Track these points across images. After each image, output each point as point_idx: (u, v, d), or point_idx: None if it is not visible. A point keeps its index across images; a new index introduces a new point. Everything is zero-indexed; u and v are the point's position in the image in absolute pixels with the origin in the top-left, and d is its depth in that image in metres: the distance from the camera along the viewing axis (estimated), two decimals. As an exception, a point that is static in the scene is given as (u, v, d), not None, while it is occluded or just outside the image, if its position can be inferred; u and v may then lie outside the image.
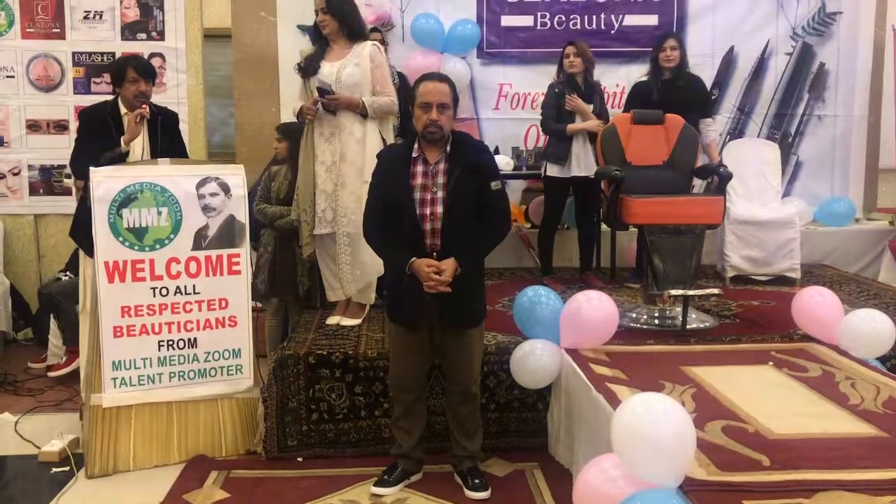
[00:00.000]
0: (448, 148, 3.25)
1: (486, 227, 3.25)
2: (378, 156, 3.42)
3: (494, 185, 3.26)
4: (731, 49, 6.33)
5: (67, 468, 3.65)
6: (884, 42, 6.40)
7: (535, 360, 3.59)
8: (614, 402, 2.94)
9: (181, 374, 3.69)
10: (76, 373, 4.66)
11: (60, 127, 5.96)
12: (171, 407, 3.70)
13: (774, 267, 5.44)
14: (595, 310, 3.60)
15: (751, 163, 5.78)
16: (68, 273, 5.20)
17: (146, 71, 3.93)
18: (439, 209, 3.19)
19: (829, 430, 2.69)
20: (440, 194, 3.20)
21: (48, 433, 3.96)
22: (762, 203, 5.67)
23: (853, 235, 6.25)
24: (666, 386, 3.15)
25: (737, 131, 6.41)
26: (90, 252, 3.89)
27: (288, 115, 5.98)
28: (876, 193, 6.62)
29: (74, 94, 5.95)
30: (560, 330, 3.66)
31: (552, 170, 5.10)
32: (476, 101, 6.26)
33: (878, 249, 6.19)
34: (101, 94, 5.79)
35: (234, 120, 6.63)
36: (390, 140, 4.22)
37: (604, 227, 5.61)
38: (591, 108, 5.07)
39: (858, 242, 6.22)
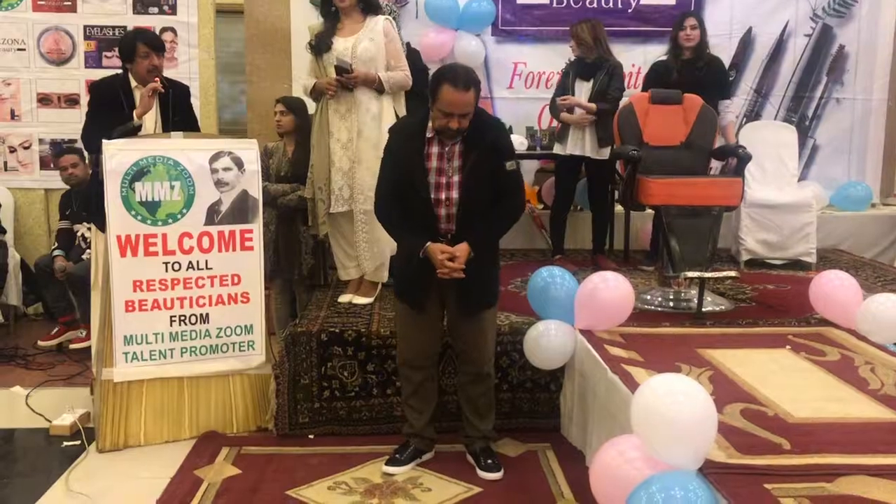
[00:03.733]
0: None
1: (500, 210, 3.19)
2: (390, 131, 3.35)
3: (510, 165, 3.19)
4: (750, 30, 6.24)
5: (78, 442, 3.64)
6: (905, 24, 6.30)
7: (548, 341, 3.55)
8: (631, 383, 2.91)
9: (193, 349, 3.67)
10: (89, 348, 4.66)
11: (72, 101, 5.92)
12: (182, 382, 3.68)
13: (790, 251, 5.38)
14: (611, 291, 3.56)
15: (767, 145, 5.70)
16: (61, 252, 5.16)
17: (156, 44, 3.88)
18: (455, 194, 3.14)
19: (850, 414, 2.65)
20: (456, 178, 3.14)
21: (59, 407, 3.96)
22: (778, 186, 5.60)
23: (869, 221, 6.18)
24: (682, 368, 3.11)
25: (753, 113, 6.33)
26: (102, 227, 3.87)
27: (300, 91, 5.95)
28: (893, 178, 6.54)
29: (86, 67, 5.90)
30: (574, 311, 3.62)
31: (556, 148, 5.12)
32: (490, 79, 6.19)
33: (894, 235, 6.12)
34: (112, 68, 5.70)
35: (244, 97, 6.60)
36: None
37: (618, 208, 5.59)
38: (589, 84, 5.01)
39: (874, 228, 6.15)
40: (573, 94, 5.02)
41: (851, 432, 2.49)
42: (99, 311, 3.95)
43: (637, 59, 6.10)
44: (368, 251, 4.18)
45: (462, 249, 3.09)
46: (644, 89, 5.10)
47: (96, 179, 3.79)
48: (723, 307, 4.20)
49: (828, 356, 3.31)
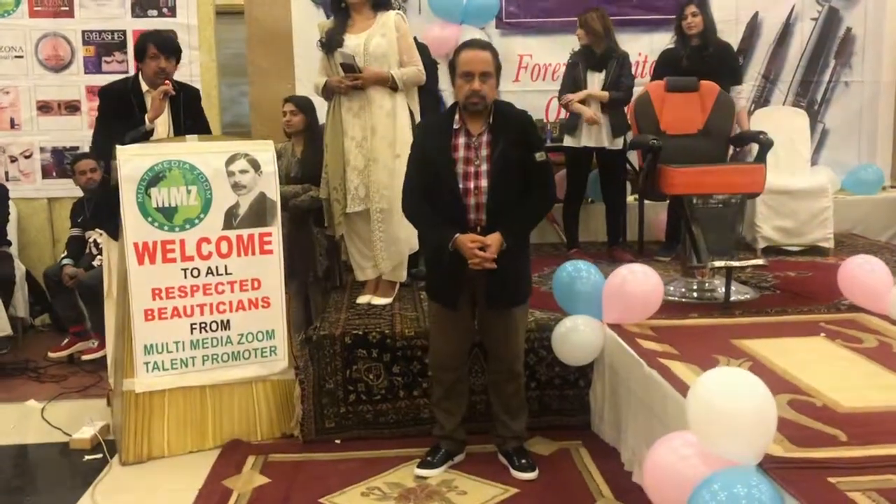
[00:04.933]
0: (491, 118, 3.13)
1: (531, 200, 3.14)
2: (417, 126, 3.31)
3: (539, 156, 3.14)
4: (756, 15, 6.18)
5: (100, 455, 3.56)
6: (913, 5, 6.25)
7: (578, 337, 3.49)
8: (670, 378, 2.86)
9: (215, 357, 3.59)
10: (101, 358, 4.59)
11: (72, 108, 5.83)
12: (204, 391, 3.60)
13: (807, 237, 5.33)
14: (640, 283, 3.50)
15: (780, 131, 5.56)
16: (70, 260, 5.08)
17: (167, 47, 3.79)
18: (483, 183, 3.08)
19: (899, 402, 2.59)
20: (484, 167, 3.08)
21: (76, 420, 3.88)
22: (791, 172, 5.54)
23: (882, 203, 6.14)
24: (720, 360, 3.05)
25: (762, 99, 6.27)
26: (115, 235, 3.79)
27: (304, 92, 5.87)
28: (904, 161, 6.50)
29: (85, 73, 5.82)
30: (603, 305, 3.56)
31: (567, 140, 5.06)
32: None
33: (908, 217, 6.09)
34: (112, 73, 5.66)
35: (244, 98, 6.52)
36: (417, 113, 4.10)
37: (629, 199, 5.54)
38: (601, 75, 4.95)
39: (887, 210, 6.11)
40: (586, 86, 4.95)
41: (906, 421, 2.43)
42: (115, 320, 3.88)
43: (644, 47, 6.03)
44: (385, 251, 4.11)
45: (494, 239, 3.03)
46: (654, 78, 5.04)
47: (107, 185, 3.70)
48: (748, 296, 4.14)
49: (865, 343, 3.25)
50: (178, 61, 3.84)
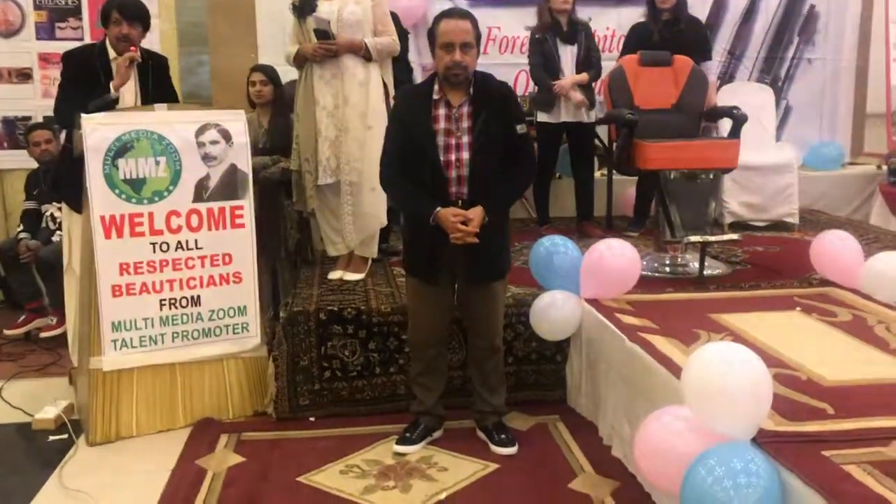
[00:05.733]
0: (471, 89, 3.06)
1: (513, 174, 3.09)
2: (395, 97, 3.22)
3: (520, 128, 3.09)
4: (723, -10, 6.21)
5: (65, 436, 3.44)
6: (873, -16, 6.33)
7: (557, 312, 3.47)
8: (653, 352, 2.86)
9: (185, 333, 3.49)
10: (61, 336, 4.45)
11: (24, 75, 5.59)
12: (174, 369, 3.50)
13: (772, 212, 5.39)
14: (617, 258, 3.49)
15: (745, 107, 5.54)
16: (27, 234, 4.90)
17: (131, 13, 3.62)
18: (465, 155, 3.01)
19: (882, 375, 2.61)
20: (465, 139, 3.02)
21: (37, 400, 3.75)
22: (757, 148, 5.56)
23: (842, 180, 6.25)
24: (700, 335, 3.06)
25: (727, 75, 6.31)
26: (77, 207, 3.65)
27: (267, 61, 5.71)
28: (863, 137, 6.61)
29: (37, 39, 5.57)
30: (581, 280, 3.54)
31: (542, 116, 4.97)
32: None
33: (866, 193, 6.20)
34: (66, 39, 5.46)
35: (201, 68, 6.32)
36: (391, 84, 4.01)
37: (596, 174, 5.52)
38: (574, 49, 4.92)
39: (847, 187, 6.22)
40: (559, 59, 4.89)
41: (889, 394, 2.45)
42: (76, 297, 3.75)
43: (611, 22, 6.01)
44: (353, 224, 4.04)
45: (476, 213, 2.97)
46: (624, 53, 5.01)
47: (70, 156, 3.54)
48: (720, 271, 4.17)
49: (839, 317, 3.28)
50: (145, 28, 3.68)
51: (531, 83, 5.58)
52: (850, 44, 6.39)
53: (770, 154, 5.47)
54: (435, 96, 3.06)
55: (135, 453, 3.33)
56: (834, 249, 3.77)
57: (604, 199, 5.45)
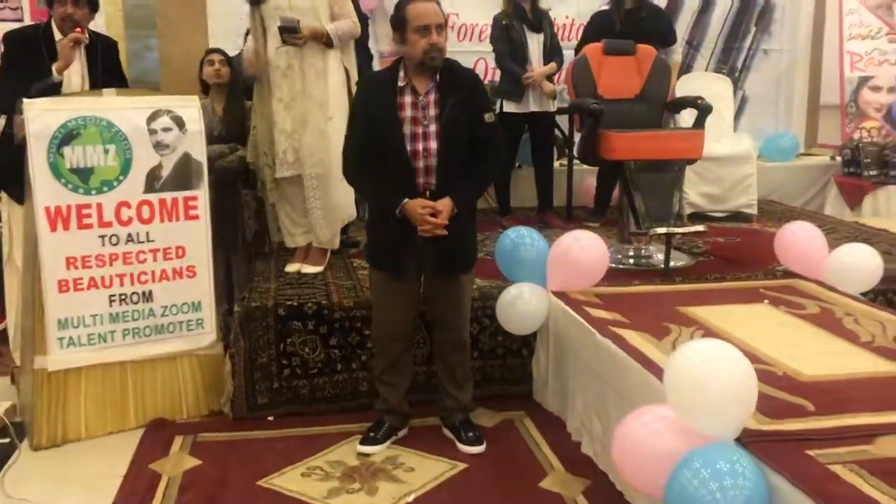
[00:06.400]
0: (438, 76, 2.95)
1: (481, 163, 2.99)
2: (357, 84, 3.10)
3: (488, 116, 3.00)
4: (681, -20, 6.19)
5: (7, 440, 3.24)
6: (827, -24, 6.39)
7: (524, 305, 3.39)
8: (625, 347, 2.80)
9: (136, 331, 3.32)
10: (1, 332, 4.22)
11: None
12: (125, 367, 3.33)
13: (731, 203, 5.40)
14: (585, 250, 3.43)
15: (704, 97, 5.66)
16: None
17: (73, -8, 3.43)
18: (433, 144, 2.90)
19: (857, 369, 2.59)
20: (433, 128, 2.91)
21: (-26, 400, 3.54)
22: (715, 139, 5.55)
23: (797, 171, 6.30)
24: (672, 328, 3.00)
25: (685, 65, 6.28)
26: (19, 198, 3.46)
27: (217, 44, 5.52)
28: (817, 128, 6.67)
29: (-30, 20, 5.29)
30: (547, 272, 3.47)
31: (509, 106, 4.88)
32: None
33: (820, 184, 6.26)
34: (4, 20, 5.18)
35: (148, 53, 6.10)
36: (354, 70, 3.87)
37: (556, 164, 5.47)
38: (541, 37, 4.85)
39: (802, 177, 6.28)
40: (526, 47, 4.81)
41: (868, 388, 2.43)
42: (18, 292, 3.56)
43: (570, 10, 5.96)
44: (325, 218, 3.90)
45: (445, 204, 2.87)
46: (584, 41, 4.95)
47: (10, 143, 3.34)
48: (683, 262, 4.14)
49: (807, 309, 3.26)
50: (93, 10, 3.49)
51: (492, 71, 5.50)
52: (805, 35, 6.45)
53: (729, 145, 5.48)
54: (400, 83, 2.94)
55: (83, 457, 3.16)
56: (798, 241, 3.76)
57: (563, 189, 5.41)
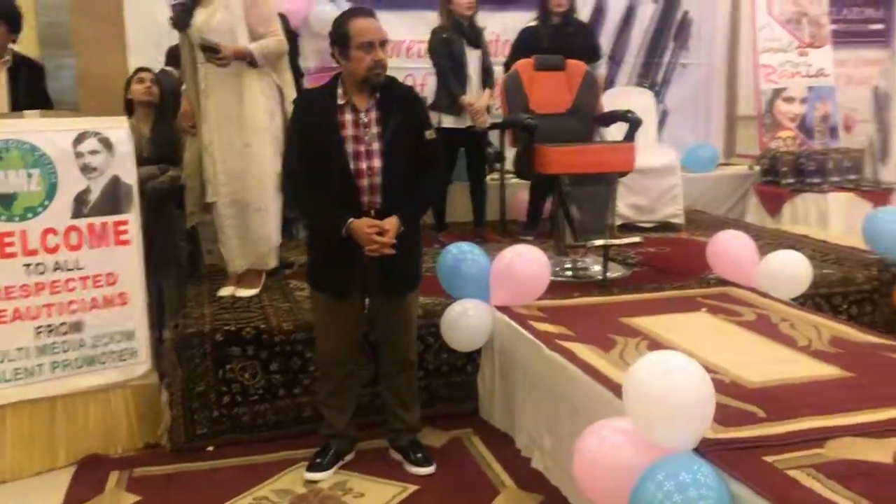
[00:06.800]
0: (378, 94, 2.91)
1: (426, 181, 2.96)
2: (294, 103, 3.04)
3: (429, 134, 2.98)
4: (601, -4, 6.32)
5: (-77, 485, 3.06)
6: (740, -7, 6.62)
7: (469, 321, 3.38)
8: (575, 360, 2.81)
9: (65, 363, 3.16)
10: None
11: None
12: (54, 402, 3.17)
13: (658, 213, 5.51)
14: (528, 265, 3.44)
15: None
16: None
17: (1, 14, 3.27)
18: (377, 163, 2.86)
19: (798, 374, 2.65)
20: (376, 146, 2.87)
21: None
22: (641, 151, 5.65)
23: (717, 180, 6.48)
24: (618, 340, 3.03)
25: (608, 80, 6.40)
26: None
27: (137, 64, 5.36)
28: (734, 139, 6.89)
29: None
30: (491, 287, 3.46)
31: (448, 121, 4.87)
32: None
33: (740, 193, 6.45)
34: None
35: (61, 72, 5.87)
36: (288, 89, 3.80)
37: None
38: (479, 53, 4.89)
39: (723, 187, 6.45)
40: (466, 62, 4.82)
41: (812, 393, 2.49)
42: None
43: (496, 25, 5.98)
44: (241, 248, 3.83)
45: (391, 223, 2.82)
46: (513, 57, 5.00)
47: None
48: (619, 273, 4.19)
49: (744, 316, 3.34)
50: (13, 30, 3.33)
51: (420, 88, 5.48)
52: (721, 49, 6.66)
53: (654, 156, 5.59)
54: (340, 101, 2.89)
55: (9, 500, 2.98)
56: (730, 249, 3.86)
57: (495, 203, 5.42)
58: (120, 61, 5.42)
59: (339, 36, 2.85)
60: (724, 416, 2.30)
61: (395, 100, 2.92)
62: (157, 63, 4.90)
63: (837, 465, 2.01)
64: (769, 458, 2.05)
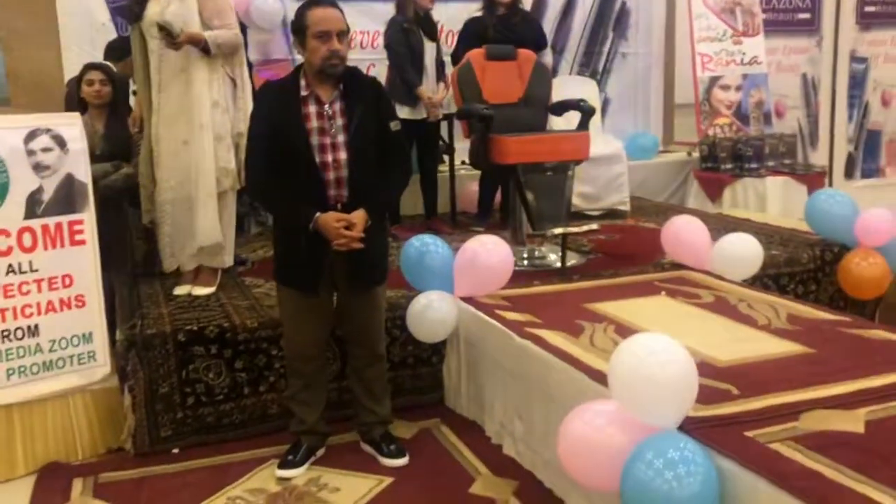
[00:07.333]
0: (341, 85, 2.89)
1: (391, 173, 2.95)
2: (256, 95, 2.99)
3: (394, 125, 2.97)
4: (543, -14, 6.37)
5: None
6: (676, -18, 6.76)
7: (434, 313, 3.37)
8: (547, 347, 2.84)
9: (22, 369, 3.06)
10: None
11: None
12: (10, 410, 3.06)
13: (605, 201, 5.60)
14: (491, 255, 3.45)
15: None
16: None
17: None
18: (343, 155, 2.84)
19: (765, 352, 2.73)
20: (341, 138, 2.84)
21: None
22: (587, 140, 5.78)
23: (658, 167, 6.62)
24: (585, 326, 3.07)
25: (550, 70, 6.46)
26: None
27: (71, 59, 5.22)
28: (673, 127, 7.04)
29: None
30: (455, 278, 3.47)
31: (403, 112, 4.83)
32: (290, 40, 5.75)
33: (679, 179, 6.60)
34: None
35: (-1, 67, 5.67)
36: (243, 80, 3.73)
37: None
38: (434, 46, 4.91)
39: (663, 174, 6.59)
40: (423, 53, 4.81)
41: (779, 369, 2.57)
42: None
43: (441, 17, 5.96)
44: (170, 246, 3.79)
45: (359, 216, 2.80)
46: (460, 47, 5.01)
47: None
48: (575, 261, 4.25)
49: (703, 298, 3.42)
50: None
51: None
52: (658, 39, 6.79)
53: (600, 145, 5.64)
54: (303, 92, 2.85)
55: (-31, 513, 2.88)
56: (683, 233, 3.94)
57: (445, 195, 5.43)
58: (53, 57, 5.26)
59: (297, 26, 2.83)
60: (701, 394, 2.35)
61: (359, 91, 2.90)
62: (89, 58, 4.75)
63: (814, 436, 2.09)
64: (750, 434, 2.11)
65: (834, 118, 7.44)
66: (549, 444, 2.69)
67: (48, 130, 3.02)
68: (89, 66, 3.93)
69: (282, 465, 3.03)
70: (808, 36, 7.33)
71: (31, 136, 2.99)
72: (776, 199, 5.87)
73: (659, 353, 2.09)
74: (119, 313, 3.94)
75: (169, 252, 3.81)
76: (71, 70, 4.96)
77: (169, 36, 3.42)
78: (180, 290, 3.79)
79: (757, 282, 3.95)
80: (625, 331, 2.99)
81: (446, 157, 5.38)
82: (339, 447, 3.22)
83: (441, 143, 5.31)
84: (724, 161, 6.13)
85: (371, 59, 5.21)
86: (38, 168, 3.01)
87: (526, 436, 2.98)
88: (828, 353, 2.70)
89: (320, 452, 3.15)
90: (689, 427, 2.13)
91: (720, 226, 4.98)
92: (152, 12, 3.56)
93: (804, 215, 4.54)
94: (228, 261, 3.88)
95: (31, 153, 2.98)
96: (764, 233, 4.76)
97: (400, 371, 3.57)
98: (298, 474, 3.01)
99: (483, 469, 3.04)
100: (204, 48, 3.57)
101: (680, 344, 2.12)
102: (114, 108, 3.88)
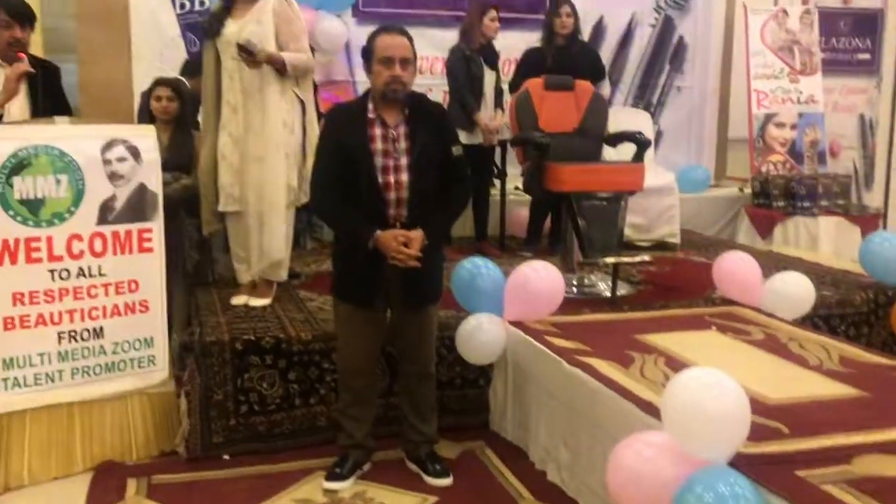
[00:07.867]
0: (407, 109, 2.97)
1: (451, 197, 3.03)
2: (325, 117, 3.09)
3: (456, 150, 3.04)
4: (601, 19, 6.43)
5: (-58, 490, 3.04)
6: (734, 19, 6.78)
7: (484, 335, 3.42)
8: (597, 376, 2.86)
9: (85, 369, 3.17)
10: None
11: None
12: (72, 408, 3.17)
13: (655, 233, 5.60)
14: (543, 281, 3.49)
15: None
16: None
17: (19, 12, 3.29)
18: (405, 177, 2.92)
19: (816, 392, 2.73)
20: (404, 160, 2.92)
21: None
22: (640, 171, 5.80)
23: (709, 202, 6.60)
24: (635, 357, 3.09)
25: (606, 101, 6.51)
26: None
27: (141, 72, 5.40)
28: (726, 161, 7.03)
29: None
30: (505, 302, 3.51)
31: (465, 137, 4.92)
32: (352, 62, 5.91)
33: (730, 214, 6.58)
34: None
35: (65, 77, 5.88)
36: (310, 105, 3.85)
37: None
38: (494, 74, 5.01)
39: (714, 208, 6.57)
40: (483, 81, 4.92)
41: (831, 410, 2.57)
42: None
43: (499, 46, 6.07)
44: (250, 258, 3.88)
45: (417, 235, 2.88)
46: (519, 76, 5.10)
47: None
48: (625, 291, 4.27)
49: (753, 335, 3.42)
50: (33, 30, 3.34)
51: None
52: (714, 74, 6.81)
53: (652, 177, 5.64)
54: (370, 115, 2.95)
55: (29, 505, 2.99)
56: (736, 269, 3.94)
57: (495, 218, 5.49)
58: (124, 69, 5.46)
59: (366, 50, 2.95)
60: (750, 431, 2.37)
61: (423, 116, 2.98)
62: (158, 71, 4.92)
63: (868, 481, 2.08)
64: (801, 473, 2.12)
65: (891, 160, 7.35)
66: (595, 472, 2.72)
67: (124, 141, 3.15)
68: (159, 82, 4.08)
69: (329, 478, 3.09)
70: (867, 76, 7.27)
71: (108, 146, 3.11)
72: (828, 239, 5.83)
73: (713, 387, 2.11)
74: (175, 320, 4.07)
75: (244, 267, 3.91)
76: (139, 82, 5.15)
77: (249, 54, 3.53)
78: (237, 301, 3.88)
79: (807, 322, 3.92)
80: (675, 363, 3.01)
81: (496, 181, 5.46)
82: (384, 463, 3.27)
83: (494, 167, 5.38)
84: (777, 198, 6.10)
85: (428, 84, 5.29)
86: (113, 177, 3.13)
87: (571, 463, 3.00)
88: (882, 397, 2.69)
89: (366, 467, 3.20)
90: (740, 463, 2.14)
91: (771, 263, 4.97)
92: (230, 31, 3.69)
93: (858, 257, 4.51)
94: (285, 275, 3.97)
95: (106, 162, 3.11)
96: (815, 272, 4.72)
97: (447, 391, 3.61)
98: (345, 487, 3.07)
99: (526, 493, 3.06)
100: (281, 68, 3.68)
101: (733, 379, 2.14)
102: (179, 122, 4.01)
